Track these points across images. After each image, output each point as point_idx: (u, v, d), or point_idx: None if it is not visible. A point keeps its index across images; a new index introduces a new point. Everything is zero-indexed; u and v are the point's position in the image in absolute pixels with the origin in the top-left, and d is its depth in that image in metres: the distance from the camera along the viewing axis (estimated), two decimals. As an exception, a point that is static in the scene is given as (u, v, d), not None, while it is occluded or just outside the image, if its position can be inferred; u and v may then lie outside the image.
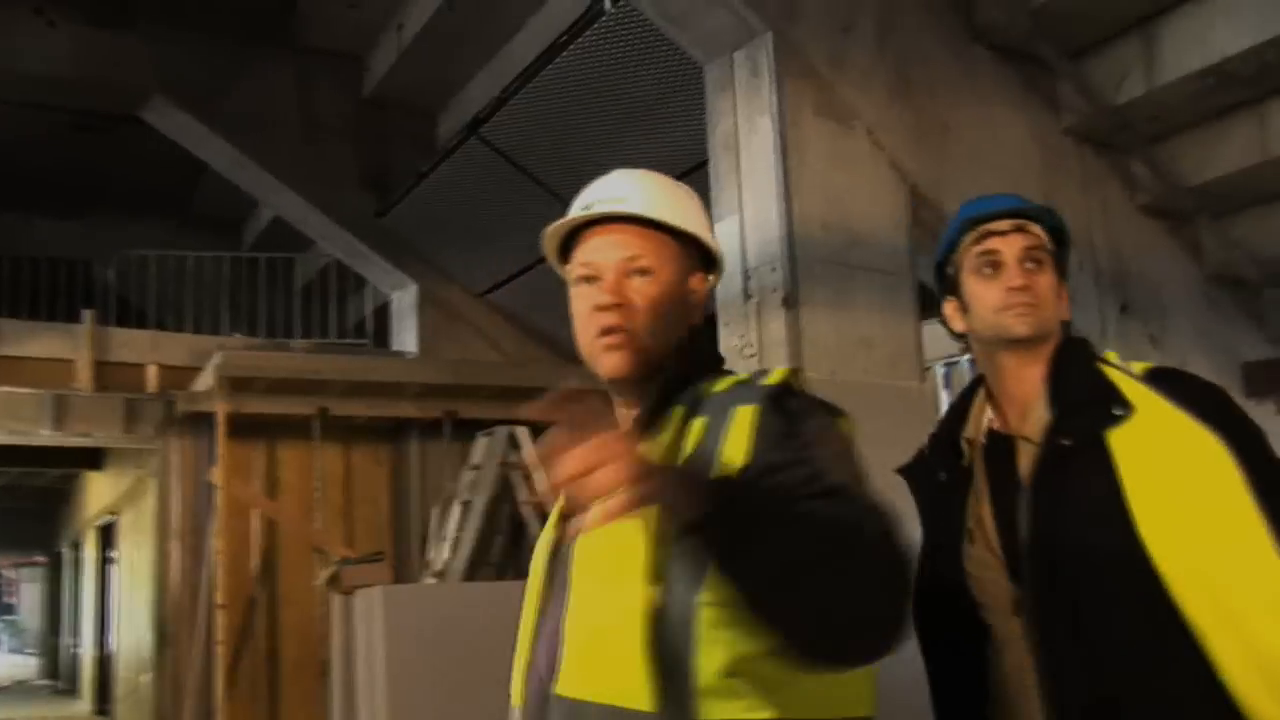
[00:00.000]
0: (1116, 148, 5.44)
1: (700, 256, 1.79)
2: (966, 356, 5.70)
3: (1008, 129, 5.09)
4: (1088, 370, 1.93)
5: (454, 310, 10.28)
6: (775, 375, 1.66)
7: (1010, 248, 1.99)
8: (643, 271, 1.72)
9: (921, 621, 1.86)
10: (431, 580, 7.40)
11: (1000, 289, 1.97)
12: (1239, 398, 5.77)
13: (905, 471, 2.15)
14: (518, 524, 7.69)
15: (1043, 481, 1.85)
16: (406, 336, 10.33)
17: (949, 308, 2.09)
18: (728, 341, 4.10)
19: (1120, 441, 1.81)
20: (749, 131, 4.17)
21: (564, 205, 1.80)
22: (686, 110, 6.18)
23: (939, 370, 5.76)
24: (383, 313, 11.34)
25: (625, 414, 1.75)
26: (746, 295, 4.09)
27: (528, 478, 7.63)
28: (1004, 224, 2.01)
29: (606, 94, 6.64)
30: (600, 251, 1.74)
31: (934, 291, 2.16)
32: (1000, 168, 4.98)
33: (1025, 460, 1.91)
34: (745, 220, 4.14)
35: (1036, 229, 2.01)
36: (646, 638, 1.47)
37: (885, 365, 4.19)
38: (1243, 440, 1.78)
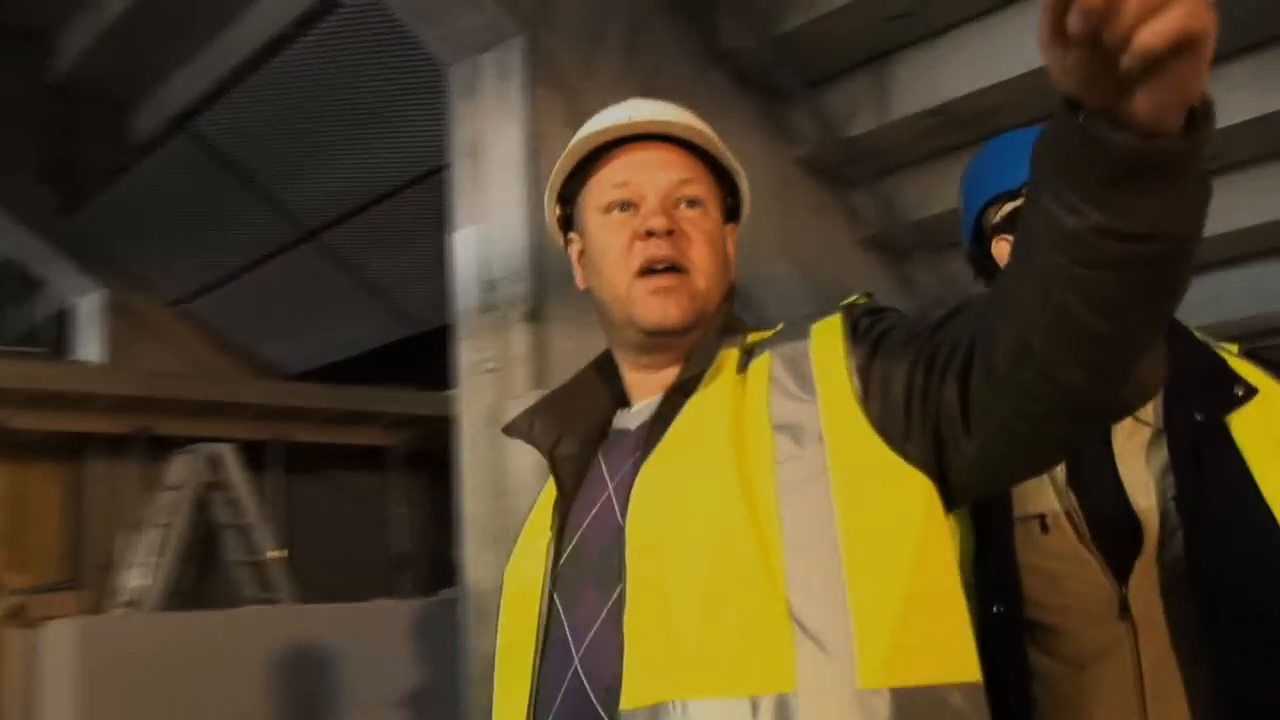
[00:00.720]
0: (843, 180, 5.58)
1: (729, 207, 1.50)
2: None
3: (744, 154, 5.08)
4: (1198, 345, 1.70)
5: (144, 319, 9.61)
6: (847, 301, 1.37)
7: None
8: (693, 201, 1.42)
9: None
10: (121, 610, 6.83)
11: None
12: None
13: None
14: (216, 550, 7.24)
15: (1183, 464, 1.59)
16: (89, 347, 9.55)
17: (1004, 245, 1.85)
18: (467, 355, 3.92)
19: (1242, 424, 1.58)
20: (496, 138, 4.01)
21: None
22: (424, 113, 5.95)
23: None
24: (61, 320, 10.45)
25: (640, 378, 1.44)
26: (489, 307, 3.91)
27: (232, 501, 7.19)
28: None
29: (337, 93, 6.33)
30: (644, 170, 1.42)
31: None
32: (737, 192, 5.01)
33: (1127, 439, 1.65)
34: (489, 230, 3.97)
35: None
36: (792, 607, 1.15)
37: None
38: None
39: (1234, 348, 1.72)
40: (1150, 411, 1.65)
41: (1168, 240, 0.94)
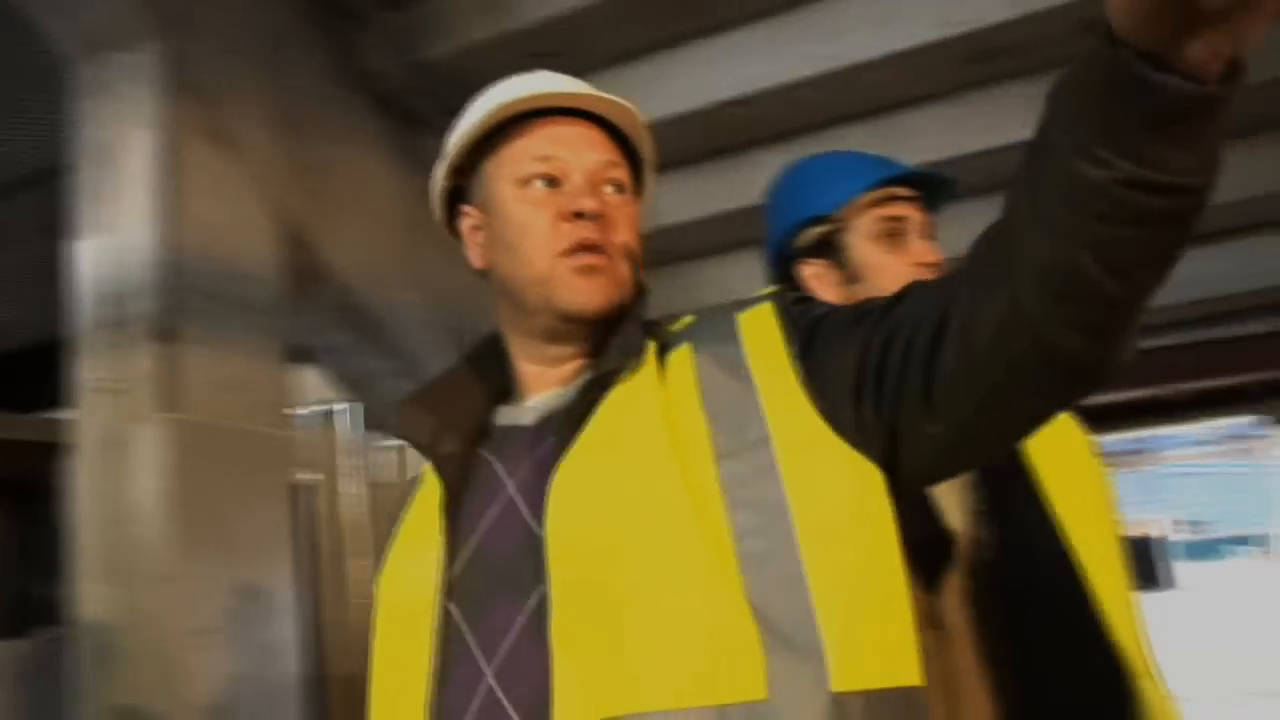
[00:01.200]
0: (476, 212, 5.61)
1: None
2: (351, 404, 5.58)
3: (379, 179, 5.08)
4: None
5: None
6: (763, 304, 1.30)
7: (916, 218, 1.83)
8: (619, 186, 1.38)
9: None
10: None
11: (908, 263, 1.78)
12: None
13: None
14: None
15: (986, 482, 1.70)
16: None
17: (813, 269, 1.86)
18: (87, 375, 3.64)
19: (1032, 444, 1.68)
20: (125, 144, 3.76)
21: None
22: (42, 109, 5.46)
23: (343, 410, 5.55)
24: None
25: (538, 371, 1.37)
26: (112, 323, 3.66)
27: None
28: (908, 190, 1.85)
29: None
30: (570, 146, 1.35)
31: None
32: (371, 217, 4.94)
33: None
34: (114, 241, 3.72)
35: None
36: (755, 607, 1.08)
37: (259, 409, 3.95)
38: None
39: None
40: None
41: (1194, 193, 0.92)
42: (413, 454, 1.44)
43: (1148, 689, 1.61)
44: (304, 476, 5.15)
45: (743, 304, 1.30)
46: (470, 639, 1.21)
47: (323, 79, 4.71)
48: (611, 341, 1.30)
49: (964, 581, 1.66)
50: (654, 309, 4.69)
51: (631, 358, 1.27)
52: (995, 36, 4.41)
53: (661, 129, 4.83)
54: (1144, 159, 0.89)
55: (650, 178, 1.48)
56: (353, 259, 4.79)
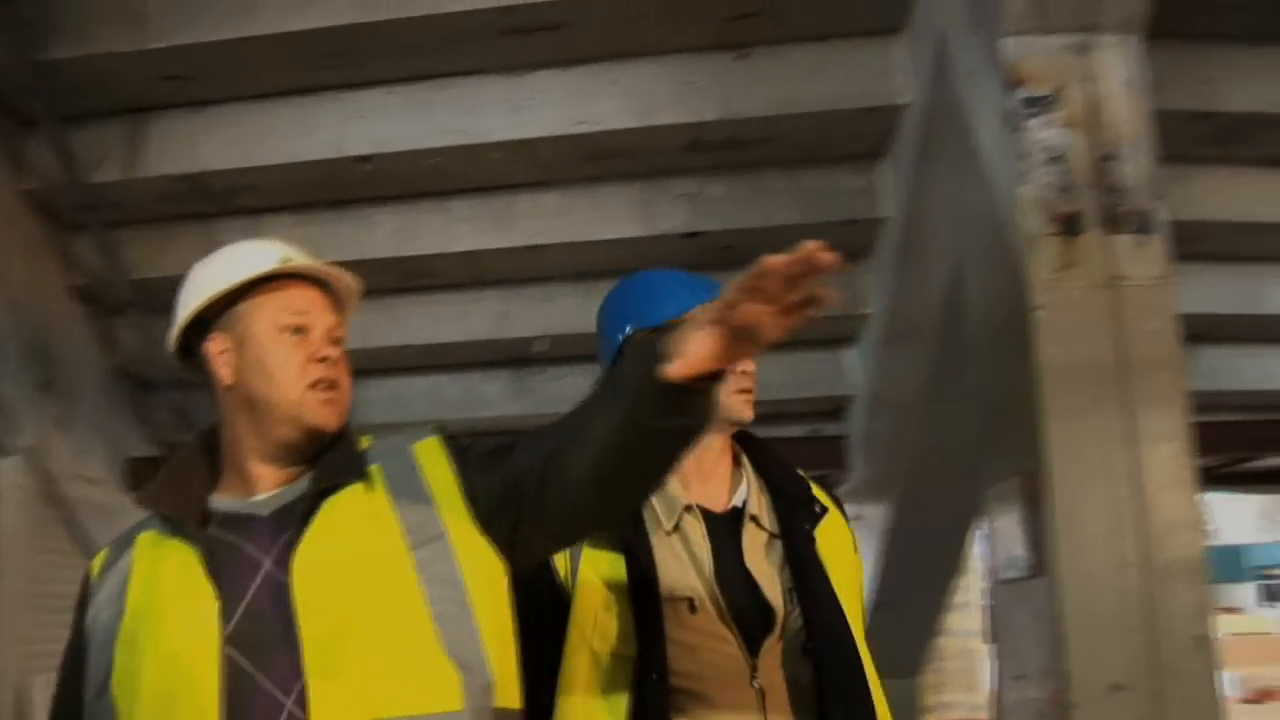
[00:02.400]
0: (70, 224, 5.36)
1: None
2: None
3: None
4: (795, 473, 2.22)
5: None
6: (428, 437, 1.85)
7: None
8: (339, 341, 1.84)
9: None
10: None
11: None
12: (120, 491, 5.97)
13: None
14: None
15: (800, 559, 2.07)
16: None
17: None
18: None
19: (820, 534, 2.14)
20: None
21: None
22: None
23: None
24: None
25: (269, 471, 1.77)
26: None
27: None
28: None
29: None
30: (317, 307, 1.81)
31: None
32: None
33: (752, 541, 2.09)
34: None
35: None
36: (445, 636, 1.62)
37: None
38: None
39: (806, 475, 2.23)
40: (768, 521, 2.10)
41: (694, 430, 1.58)
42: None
43: None
44: None
45: (412, 435, 1.84)
46: (266, 682, 1.58)
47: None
48: (329, 455, 1.77)
49: (780, 646, 2.01)
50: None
51: (354, 474, 1.74)
52: (615, 140, 4.83)
53: (284, 172, 4.94)
54: (666, 417, 1.52)
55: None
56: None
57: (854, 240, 5.12)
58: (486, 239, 5.36)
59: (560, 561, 2.00)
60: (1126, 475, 3.18)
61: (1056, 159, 3.23)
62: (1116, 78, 3.28)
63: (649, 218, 5.26)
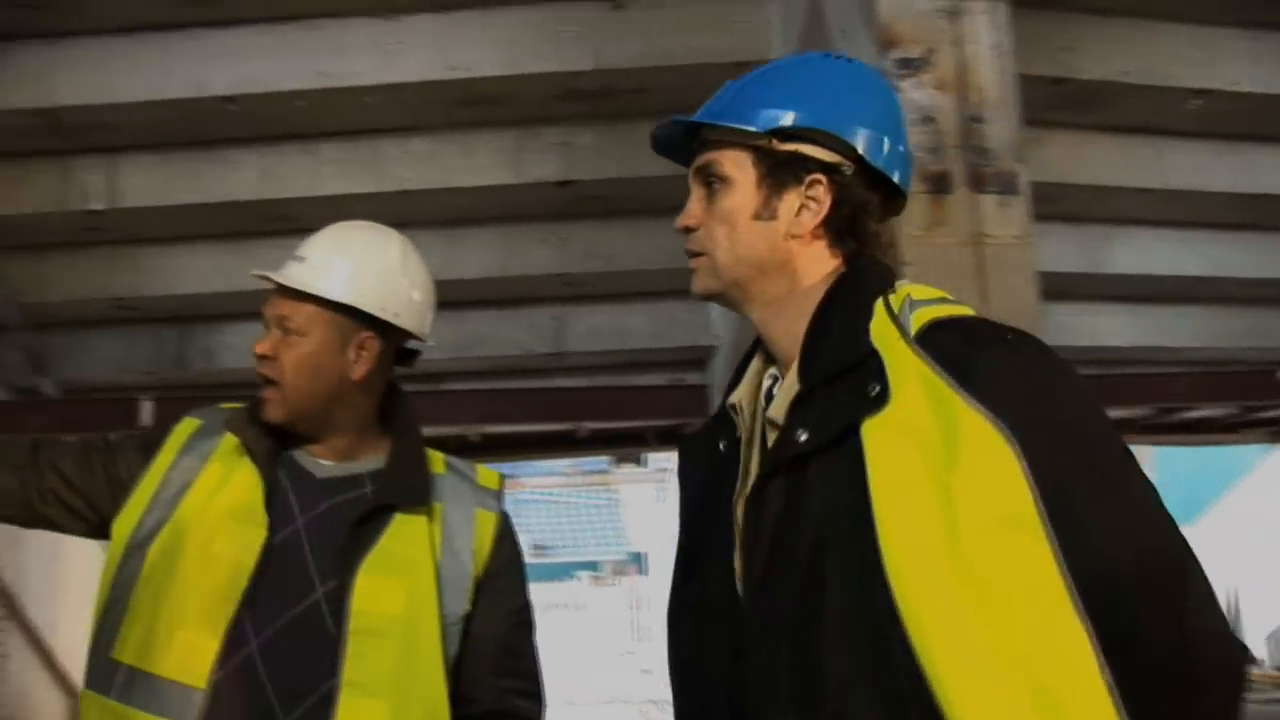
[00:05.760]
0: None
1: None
2: None
3: None
4: (850, 323, 1.42)
5: None
6: (493, 479, 2.08)
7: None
8: (288, 330, 1.93)
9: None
10: None
11: None
12: (-30, 434, 5.80)
13: (684, 445, 1.67)
14: None
15: (768, 487, 1.39)
16: None
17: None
18: None
19: (875, 435, 1.30)
20: None
21: None
22: None
23: None
24: None
25: (316, 446, 1.99)
26: None
27: None
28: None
29: None
30: (268, 306, 1.96)
31: None
32: None
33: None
34: None
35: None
36: None
37: None
38: (1051, 439, 1.27)
39: (929, 316, 1.47)
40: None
41: None
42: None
43: None
44: None
45: (480, 495, 2.04)
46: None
47: None
48: (393, 464, 2.00)
49: None
50: (120, 289, 4.60)
51: (417, 501, 1.95)
52: (488, 86, 4.81)
53: (144, 110, 4.80)
54: None
55: (372, 308, 2.01)
56: None
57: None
58: (354, 183, 5.29)
59: None
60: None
61: (927, 120, 3.31)
62: (985, 42, 3.37)
63: (520, 165, 5.26)
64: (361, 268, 1.98)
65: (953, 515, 1.23)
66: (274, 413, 1.93)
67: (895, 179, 1.51)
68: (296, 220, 5.57)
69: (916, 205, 3.31)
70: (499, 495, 2.06)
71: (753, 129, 1.49)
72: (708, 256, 1.52)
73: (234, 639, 1.79)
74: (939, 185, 3.26)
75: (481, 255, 5.79)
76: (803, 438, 1.36)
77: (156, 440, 2.00)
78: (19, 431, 6.13)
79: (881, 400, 1.31)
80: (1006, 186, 3.30)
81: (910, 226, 3.26)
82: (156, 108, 4.88)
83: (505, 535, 2.03)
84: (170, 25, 4.73)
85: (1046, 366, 1.34)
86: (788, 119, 1.48)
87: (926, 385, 1.30)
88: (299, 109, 4.95)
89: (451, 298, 6.19)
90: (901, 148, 1.53)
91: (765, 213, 1.48)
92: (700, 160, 1.54)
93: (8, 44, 4.79)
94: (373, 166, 5.31)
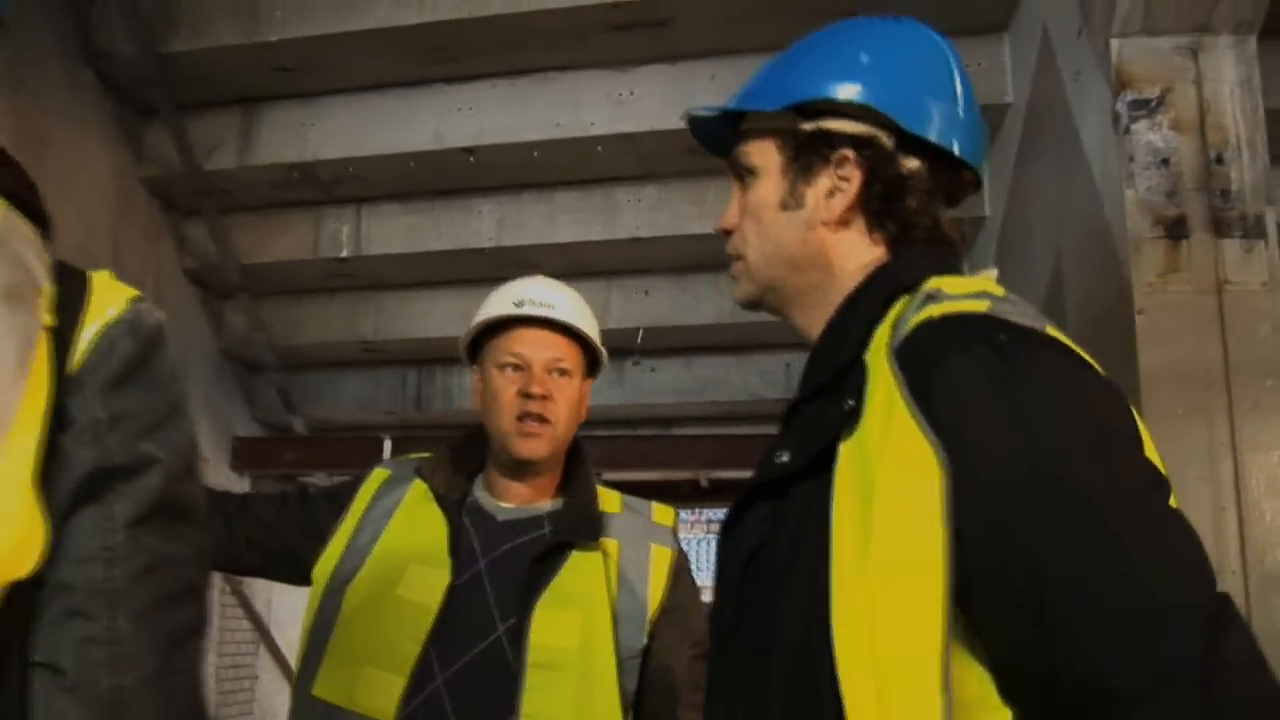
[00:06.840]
0: (185, 209, 5.54)
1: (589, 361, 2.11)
2: None
3: (95, 161, 4.94)
4: (847, 326, 1.21)
5: None
6: (668, 516, 2.11)
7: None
8: (563, 371, 2.04)
9: None
10: None
11: None
12: (225, 470, 6.14)
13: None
14: None
15: (744, 518, 1.23)
16: None
17: None
18: None
19: (844, 459, 1.07)
20: None
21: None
22: None
23: None
24: None
25: (506, 484, 2.07)
26: None
27: None
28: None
29: None
30: (538, 343, 2.03)
31: None
32: (81, 199, 4.80)
33: None
34: None
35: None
36: None
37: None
38: (1001, 476, 0.97)
39: (936, 311, 1.22)
40: None
41: None
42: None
43: None
44: None
45: (654, 530, 2.07)
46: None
47: (54, 49, 4.57)
48: (568, 504, 2.06)
49: None
50: (365, 332, 4.77)
51: (589, 537, 1.99)
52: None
53: (389, 162, 5.03)
54: None
55: (603, 351, 2.14)
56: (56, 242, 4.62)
57: (954, 238, 5.08)
58: (587, 231, 5.40)
59: None
60: (1229, 483, 3.12)
61: (1163, 162, 3.18)
62: (1229, 78, 3.21)
63: (748, 212, 5.25)
64: (589, 316, 2.13)
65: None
66: (539, 450, 2.02)
67: (955, 149, 1.28)
68: (533, 267, 5.65)
69: (1150, 251, 3.16)
70: (674, 532, 2.10)
71: (769, 109, 1.31)
72: (743, 260, 1.32)
73: (420, 676, 1.86)
74: (1175, 230, 3.11)
75: (713, 301, 5.83)
76: (783, 459, 1.15)
77: (351, 490, 2.11)
78: (272, 466, 6.49)
79: (855, 417, 1.06)
80: (1251, 230, 3.12)
81: (1144, 273, 3.12)
82: (400, 159, 5.11)
83: (681, 571, 2.05)
84: (413, 81, 4.96)
85: (1037, 381, 1.01)
86: (809, 92, 1.29)
87: (888, 401, 1.03)
88: (535, 159, 5.10)
89: (682, 343, 6.31)
90: (960, 112, 1.30)
91: (792, 201, 1.27)
92: (731, 155, 1.36)
93: (269, 104, 5.13)
94: (606, 214, 5.41)
